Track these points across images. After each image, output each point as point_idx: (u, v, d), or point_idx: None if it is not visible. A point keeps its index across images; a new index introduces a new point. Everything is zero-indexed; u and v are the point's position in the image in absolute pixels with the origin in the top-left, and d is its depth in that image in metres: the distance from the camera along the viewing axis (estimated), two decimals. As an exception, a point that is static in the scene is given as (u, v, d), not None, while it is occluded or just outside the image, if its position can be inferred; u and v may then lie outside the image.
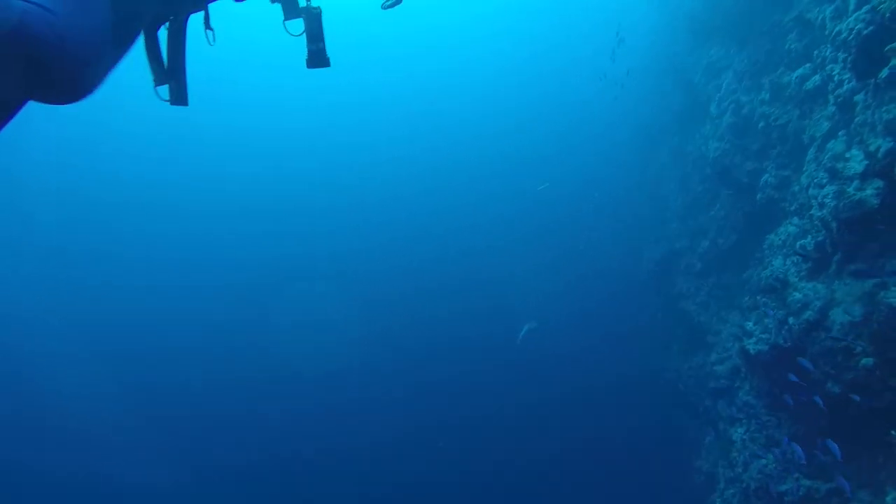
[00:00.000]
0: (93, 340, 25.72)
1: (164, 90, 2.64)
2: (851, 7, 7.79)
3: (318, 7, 2.95)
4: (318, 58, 3.00)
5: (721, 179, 14.28)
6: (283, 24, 2.99)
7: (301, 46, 3.02)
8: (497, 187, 26.95)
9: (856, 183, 7.83)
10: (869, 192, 7.61)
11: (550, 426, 19.84)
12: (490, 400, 19.88)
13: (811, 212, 8.92)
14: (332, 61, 2.99)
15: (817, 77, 10.17)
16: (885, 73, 6.87)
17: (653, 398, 17.49)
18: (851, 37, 7.68)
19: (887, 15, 6.66)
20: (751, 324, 10.38)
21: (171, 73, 2.69)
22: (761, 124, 12.18)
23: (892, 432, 6.93)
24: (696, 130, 16.15)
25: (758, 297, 10.36)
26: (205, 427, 22.50)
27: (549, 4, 28.44)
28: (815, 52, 10.38)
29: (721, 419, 12.49)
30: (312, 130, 32.05)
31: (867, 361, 7.51)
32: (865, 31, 7.34)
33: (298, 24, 2.96)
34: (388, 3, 3.38)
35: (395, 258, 26.99)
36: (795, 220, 10.68)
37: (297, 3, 2.96)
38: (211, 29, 2.89)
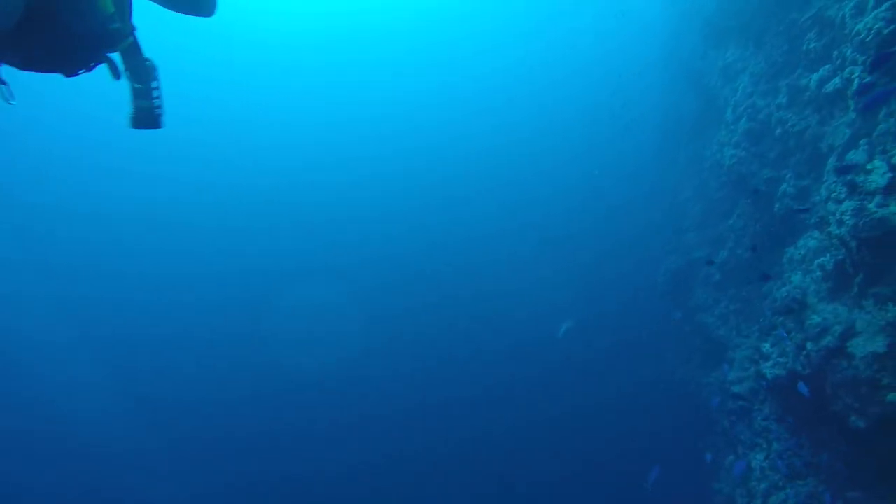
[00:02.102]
0: (95, 348, 25.69)
1: None
2: (871, 4, 6.89)
3: (151, 61, 2.45)
4: (145, 117, 2.45)
5: (738, 188, 13.30)
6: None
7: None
8: (506, 195, 26.22)
9: (878, 198, 6.92)
10: (893, 208, 6.70)
11: (566, 437, 19.06)
12: (498, 411, 19.22)
13: (829, 228, 8.00)
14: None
15: (837, 80, 9.19)
16: (907, 78, 5.98)
17: (674, 412, 16.57)
18: (870, 37, 6.79)
19: (908, 14, 5.79)
20: (768, 346, 9.47)
21: None
22: (778, 130, 11.20)
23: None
24: (713, 136, 15.15)
25: (775, 318, 9.43)
26: (209, 430, 22.25)
27: (558, 10, 27.59)
28: (835, 53, 9.41)
29: (740, 442, 11.53)
30: (321, 136, 31.67)
31: (894, 397, 6.60)
32: (886, 31, 6.45)
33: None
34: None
35: (398, 263, 26.59)
36: (816, 233, 9.71)
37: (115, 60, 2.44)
38: (5, 83, 2.37)
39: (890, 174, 6.88)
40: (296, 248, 28.99)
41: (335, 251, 28.17)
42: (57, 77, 2.38)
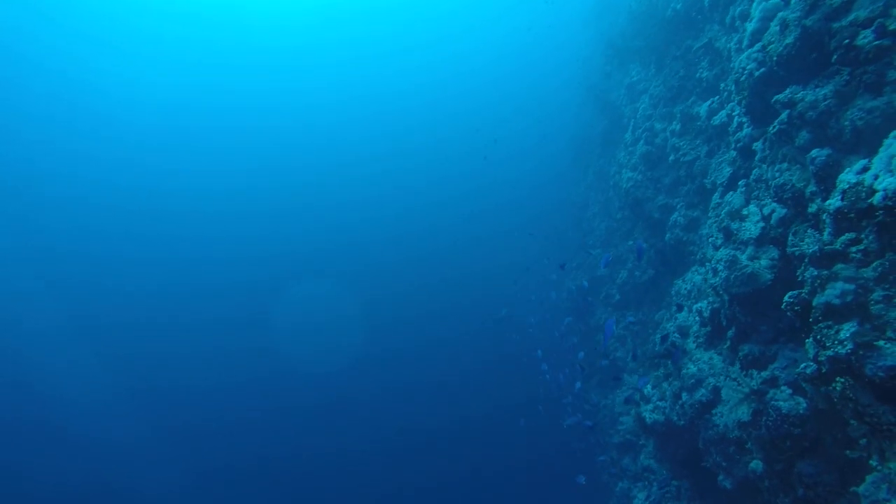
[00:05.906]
0: (95, 343, 25.11)
1: None
2: (745, 42, 6.27)
3: None
4: None
5: (635, 211, 12.84)
6: None
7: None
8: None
9: (750, 250, 6.35)
10: (764, 262, 6.14)
11: (483, 444, 18.95)
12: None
13: (707, 276, 7.45)
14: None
15: (724, 113, 8.71)
16: (774, 127, 5.35)
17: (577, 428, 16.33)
18: (744, 77, 6.16)
19: (775, 58, 5.13)
20: (649, 387, 8.91)
21: None
22: (672, 157, 10.71)
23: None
24: (615, 155, 14.72)
25: (656, 360, 8.89)
26: (207, 422, 22.14)
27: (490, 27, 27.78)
28: (723, 85, 8.92)
29: (626, 475, 11.10)
30: (313, 134, 31.20)
31: (757, 465, 6.06)
32: (757, 73, 5.82)
33: None
34: None
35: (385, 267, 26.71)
36: (701, 269, 9.25)
37: None
38: None
39: (762, 224, 6.32)
40: (297, 247, 28.80)
41: (335, 251, 28.08)
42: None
